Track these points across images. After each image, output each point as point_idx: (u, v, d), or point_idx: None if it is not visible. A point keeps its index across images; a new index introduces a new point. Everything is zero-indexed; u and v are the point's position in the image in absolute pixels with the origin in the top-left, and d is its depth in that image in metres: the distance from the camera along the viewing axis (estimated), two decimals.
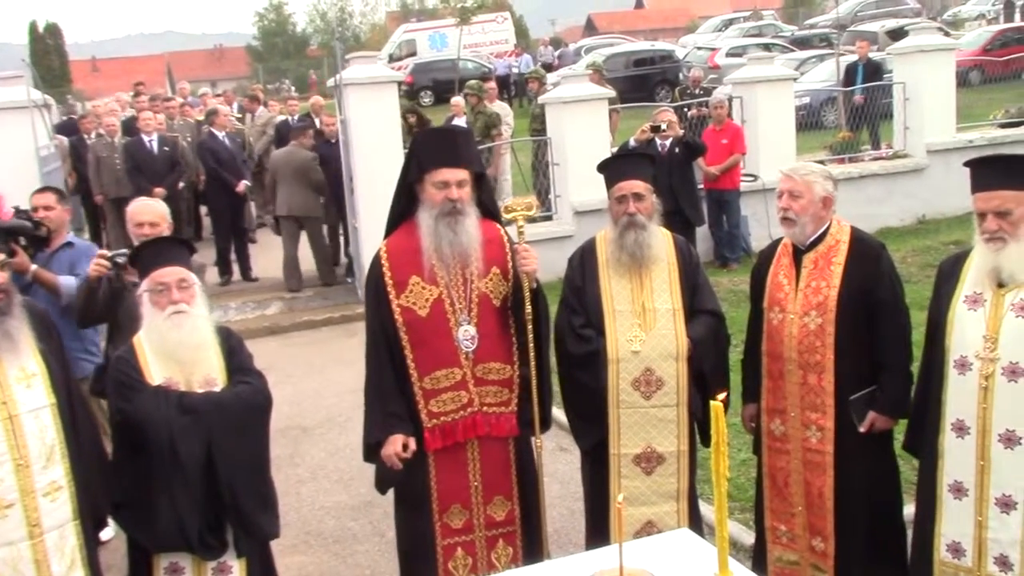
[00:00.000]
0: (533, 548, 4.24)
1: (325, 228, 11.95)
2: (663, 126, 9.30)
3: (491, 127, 13.10)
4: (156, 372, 3.79)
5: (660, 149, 9.35)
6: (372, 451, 4.19)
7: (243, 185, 11.59)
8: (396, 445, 4.02)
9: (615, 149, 11.32)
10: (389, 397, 4.07)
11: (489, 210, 4.24)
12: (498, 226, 4.26)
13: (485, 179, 4.37)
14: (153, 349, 3.82)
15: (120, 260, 4.83)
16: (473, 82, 14.62)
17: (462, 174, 4.04)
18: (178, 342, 3.79)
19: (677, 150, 9.37)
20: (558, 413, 4.37)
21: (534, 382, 4.13)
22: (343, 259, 12.19)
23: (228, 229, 11.78)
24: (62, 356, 3.88)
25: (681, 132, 9.62)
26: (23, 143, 9.65)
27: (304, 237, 11.45)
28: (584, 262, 4.41)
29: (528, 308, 4.07)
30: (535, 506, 4.27)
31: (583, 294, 4.34)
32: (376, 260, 4.14)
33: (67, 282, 5.45)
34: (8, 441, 3.49)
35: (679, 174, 9.49)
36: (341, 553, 5.49)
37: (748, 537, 4.91)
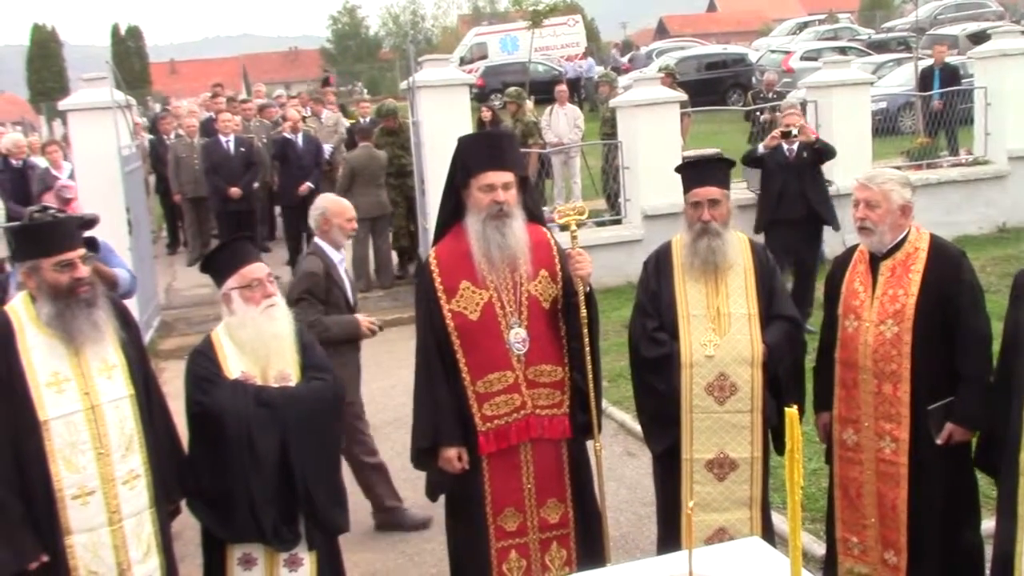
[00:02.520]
0: (593, 552, 4.23)
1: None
2: (794, 131, 9.04)
3: (528, 136, 13.06)
4: (234, 366, 3.88)
5: (788, 154, 9.14)
6: (421, 456, 4.23)
7: (305, 187, 11.73)
8: (453, 461, 4.08)
9: (686, 153, 11.25)
10: (439, 403, 4.10)
11: (533, 214, 4.25)
12: (544, 229, 4.27)
13: (529, 183, 4.39)
14: (238, 343, 3.92)
15: None
16: (512, 89, 14.60)
17: (507, 177, 4.07)
18: (272, 334, 3.89)
19: (805, 155, 9.12)
20: (625, 417, 4.39)
21: (591, 386, 4.13)
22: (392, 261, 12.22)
23: (300, 229, 11.93)
24: (140, 347, 4.00)
25: (813, 137, 9.35)
26: (106, 142, 9.91)
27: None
28: (659, 266, 4.39)
29: (584, 311, 4.07)
30: (593, 510, 4.27)
31: (657, 298, 4.32)
32: (425, 266, 4.19)
33: (123, 275, 5.59)
34: (90, 430, 3.61)
35: (809, 178, 9.24)
36: (408, 551, 5.53)
37: (819, 548, 4.84)
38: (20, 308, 3.66)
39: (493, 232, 4.02)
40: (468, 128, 11.20)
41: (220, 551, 3.94)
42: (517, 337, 4.08)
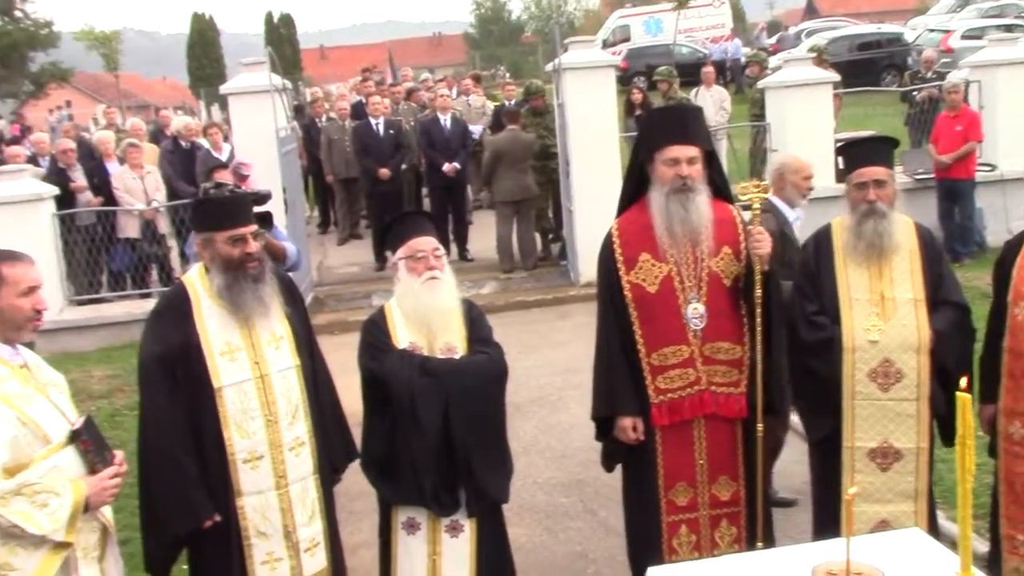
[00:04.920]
0: (754, 531, 4.19)
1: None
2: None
3: None
4: (403, 336, 4.01)
5: None
6: (600, 426, 4.28)
7: (449, 167, 11.90)
8: (628, 431, 4.11)
9: (838, 136, 10.91)
10: (616, 373, 4.14)
11: (720, 190, 4.21)
12: (730, 207, 4.23)
13: (716, 158, 4.34)
14: (404, 313, 4.05)
15: None
16: (663, 68, 14.42)
17: (692, 151, 4.04)
18: (431, 306, 4.00)
19: None
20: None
21: (759, 366, 4.07)
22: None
23: (446, 209, 12.15)
24: (306, 320, 4.16)
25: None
26: (264, 124, 10.31)
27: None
28: (819, 248, 4.29)
29: (759, 291, 4.02)
30: (761, 490, 4.22)
31: (817, 281, 4.23)
32: (608, 238, 4.22)
33: (291, 248, 5.78)
34: (259, 398, 3.77)
35: None
36: (553, 528, 5.59)
37: (981, 545, 4.64)
38: (196, 279, 3.84)
39: (676, 207, 4.02)
40: (613, 111, 11.17)
41: (389, 514, 4.10)
42: (695, 312, 4.07)
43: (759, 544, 4.08)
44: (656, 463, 4.14)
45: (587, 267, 10.35)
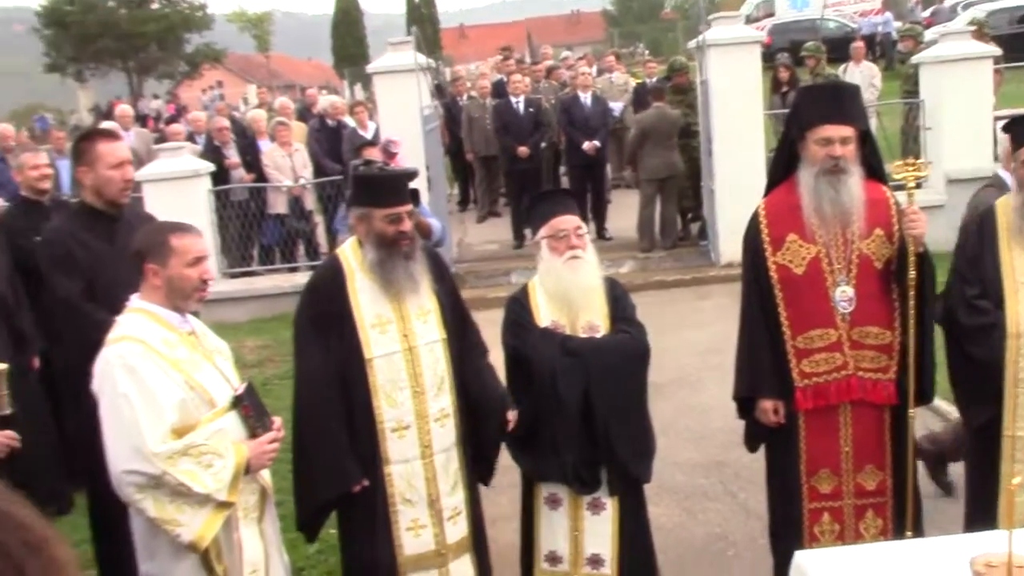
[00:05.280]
0: (901, 523, 4.07)
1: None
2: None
3: None
4: (545, 315, 4.05)
5: None
6: (741, 406, 4.24)
7: (589, 145, 11.85)
8: (769, 413, 4.05)
9: (998, 113, 10.39)
10: (758, 354, 4.08)
11: (875, 170, 4.08)
12: (884, 188, 4.09)
13: (871, 137, 4.21)
14: (546, 292, 4.08)
15: None
16: (811, 44, 13.94)
17: (846, 131, 3.92)
18: (573, 284, 4.02)
19: None
20: None
21: (912, 351, 3.94)
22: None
23: (585, 187, 12.13)
24: (454, 296, 4.23)
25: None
26: (409, 103, 10.50)
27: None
28: (981, 230, 4.10)
29: (912, 273, 3.88)
30: (909, 480, 4.10)
31: (979, 264, 4.05)
32: (754, 217, 4.15)
33: (436, 225, 5.86)
34: (408, 370, 3.87)
35: None
36: (692, 509, 5.56)
37: None
38: (349, 253, 3.96)
39: (826, 187, 3.92)
40: (759, 88, 10.91)
41: (531, 489, 4.16)
42: (843, 295, 3.97)
43: (908, 533, 3.97)
44: (799, 448, 4.07)
45: (728, 247, 10.19)
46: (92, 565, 4.51)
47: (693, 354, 8.12)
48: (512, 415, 4.01)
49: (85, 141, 4.51)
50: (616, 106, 13.81)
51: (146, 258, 3.41)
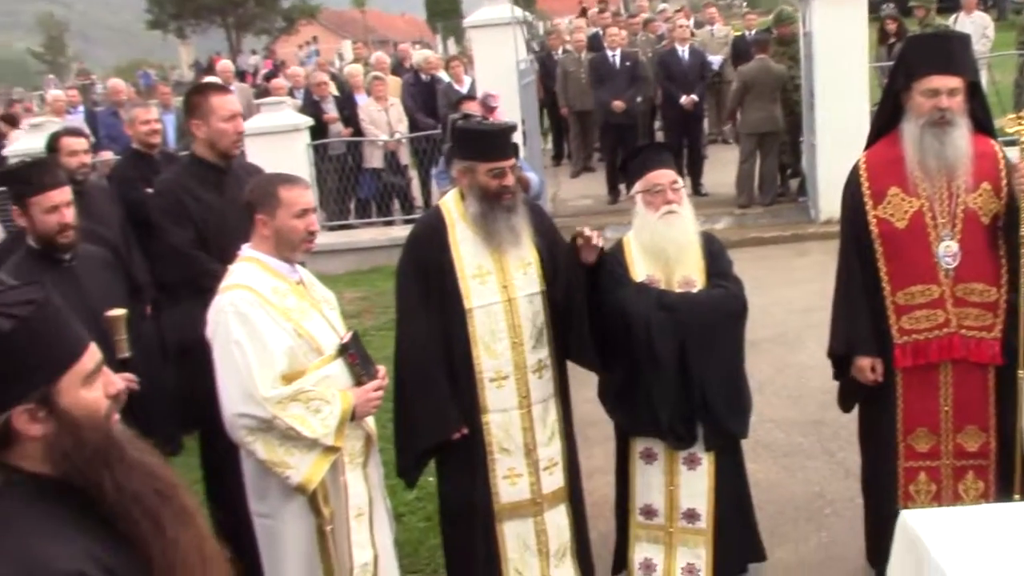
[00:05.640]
0: (1007, 487, 3.97)
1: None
2: None
3: None
4: (640, 270, 4.03)
5: None
6: (836, 364, 4.16)
7: (687, 100, 11.65)
8: (866, 371, 3.97)
9: None
10: (856, 310, 3.99)
11: (982, 123, 3.94)
12: (992, 141, 3.95)
13: (980, 89, 4.05)
14: (641, 246, 4.06)
15: None
16: None
17: (954, 82, 3.79)
18: (669, 240, 3.99)
19: None
20: None
21: (1022, 309, 3.81)
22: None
23: (680, 143, 11.96)
24: (554, 250, 4.24)
25: None
26: (505, 56, 10.46)
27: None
28: None
29: (1023, 230, 3.75)
30: (1010, 441, 3.99)
31: None
32: (854, 170, 4.05)
33: (534, 179, 5.83)
34: (507, 320, 3.91)
35: None
36: (790, 467, 5.51)
37: None
38: (451, 204, 4.00)
39: (931, 140, 3.80)
40: (864, 40, 10.57)
41: (626, 443, 4.18)
42: (947, 251, 3.86)
43: (1016, 497, 3.87)
44: (896, 406, 3.99)
45: (828, 204, 9.94)
46: (203, 505, 4.69)
47: (791, 312, 8.00)
48: None
49: (198, 95, 4.63)
50: (715, 59, 13.55)
51: (256, 209, 3.50)
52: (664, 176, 4.03)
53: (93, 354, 1.92)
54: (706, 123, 13.87)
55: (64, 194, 3.94)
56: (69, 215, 3.94)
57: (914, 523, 2.79)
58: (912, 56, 3.96)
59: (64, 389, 1.85)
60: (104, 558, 1.80)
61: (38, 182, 3.90)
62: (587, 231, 3.77)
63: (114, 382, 1.97)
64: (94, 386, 1.90)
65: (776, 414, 6.18)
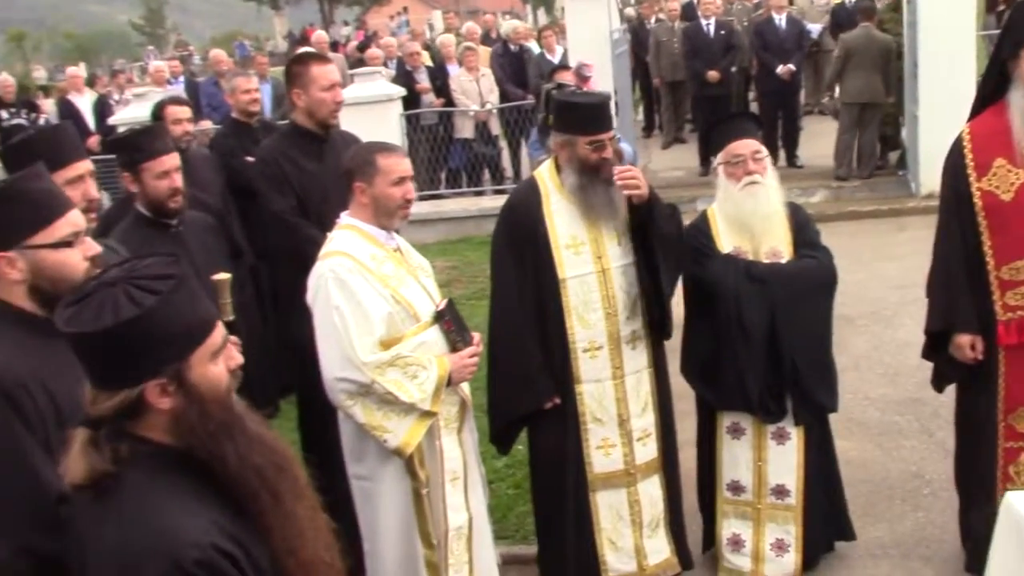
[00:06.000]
0: None
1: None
2: None
3: None
4: (726, 241, 4.01)
5: None
6: (932, 341, 4.06)
7: (784, 69, 11.39)
8: (965, 349, 3.86)
9: None
10: (957, 285, 3.88)
11: None
12: None
13: None
14: (725, 218, 4.03)
15: None
16: None
17: None
18: (751, 211, 3.96)
19: None
20: None
21: None
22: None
23: (775, 115, 11.73)
24: None
25: None
26: (598, 26, 10.39)
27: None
28: None
29: None
30: None
31: None
32: (957, 142, 3.92)
33: (627, 149, 5.78)
34: (600, 291, 3.90)
35: None
36: (886, 446, 5.40)
37: None
38: (547, 175, 4.00)
39: None
40: (971, 7, 10.19)
41: (711, 418, 4.15)
42: None
43: None
44: (997, 384, 3.87)
45: (929, 177, 9.64)
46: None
47: (888, 288, 7.82)
48: None
49: (299, 64, 4.70)
50: (814, 28, 13.21)
51: (354, 177, 3.55)
52: (745, 146, 3.98)
53: (220, 330, 1.96)
54: (803, 94, 13.54)
55: (174, 159, 4.05)
56: (179, 180, 4.05)
57: (1019, 504, 2.72)
58: (1021, 22, 3.80)
59: (194, 364, 1.88)
60: (228, 527, 1.86)
61: (149, 148, 4.01)
62: (617, 171, 3.73)
63: (235, 356, 2.01)
64: (219, 361, 1.94)
65: (872, 391, 6.06)
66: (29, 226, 2.39)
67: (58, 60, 50.06)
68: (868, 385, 6.15)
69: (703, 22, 12.14)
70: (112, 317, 1.81)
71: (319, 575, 2.00)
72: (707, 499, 4.28)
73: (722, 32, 12.03)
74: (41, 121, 12.83)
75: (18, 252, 2.38)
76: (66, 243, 2.42)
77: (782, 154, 11.70)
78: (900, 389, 6.05)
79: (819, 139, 12.02)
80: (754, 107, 12.95)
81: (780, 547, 4.11)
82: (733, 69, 12.38)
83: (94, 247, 2.52)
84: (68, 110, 12.72)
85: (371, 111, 10.62)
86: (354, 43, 21.32)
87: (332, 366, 3.35)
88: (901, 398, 5.93)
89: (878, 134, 11.15)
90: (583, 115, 3.85)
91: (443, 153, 11.76)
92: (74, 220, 2.47)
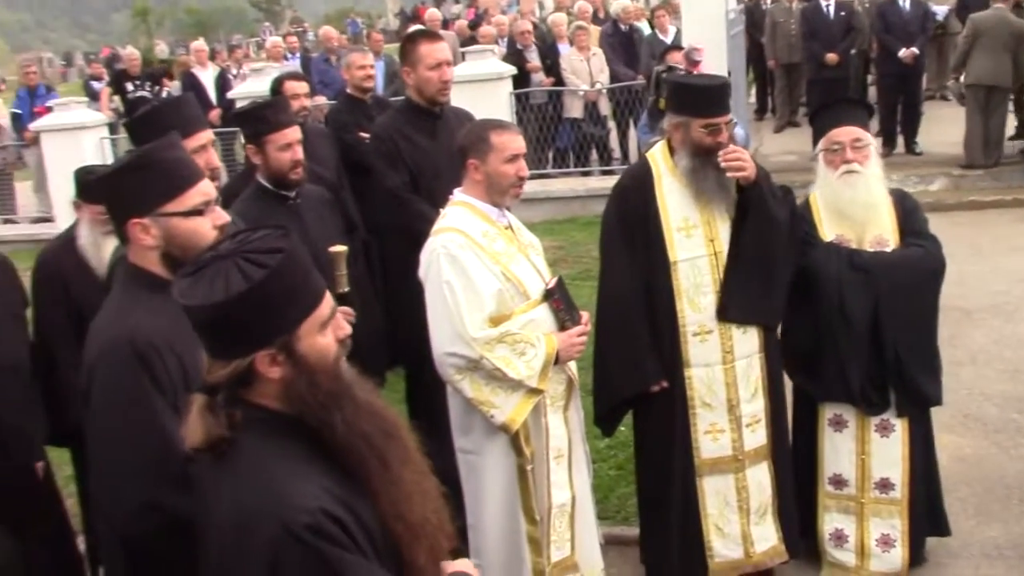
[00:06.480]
0: None
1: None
2: None
3: None
4: (828, 229, 3.95)
5: None
6: None
7: (907, 53, 10.99)
8: None
9: None
10: None
11: None
12: None
13: None
14: (826, 206, 3.96)
15: None
16: None
17: None
18: (849, 200, 3.89)
19: None
20: None
21: None
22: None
23: (896, 101, 11.35)
24: None
25: None
26: (715, 6, 10.21)
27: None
28: None
29: None
30: None
31: None
32: None
33: (740, 133, 5.66)
34: (712, 275, 3.85)
35: None
36: (1003, 443, 5.21)
37: None
38: (659, 156, 3.96)
39: None
40: None
41: (810, 410, 4.07)
42: None
43: None
44: None
45: None
46: None
47: (1010, 281, 7.52)
48: None
49: (409, 42, 4.76)
50: (939, 10, 12.71)
51: (468, 153, 3.58)
52: (846, 133, 3.90)
53: (328, 301, 2.00)
54: (925, 78, 13.06)
55: (296, 132, 4.13)
56: (300, 152, 4.14)
57: None
58: None
59: (303, 335, 1.93)
60: (338, 492, 1.91)
61: (274, 120, 4.10)
62: (722, 153, 3.68)
63: (344, 326, 2.04)
64: (327, 332, 1.98)
65: (989, 387, 5.85)
66: (163, 194, 2.48)
67: (178, 35, 51.62)
68: (985, 381, 5.94)
69: (822, 3, 11.82)
70: (223, 291, 1.86)
71: (427, 538, 2.04)
72: (802, 491, 4.19)
73: (842, 13, 11.70)
74: (164, 94, 13.28)
75: (152, 219, 2.48)
76: (197, 212, 2.51)
77: (900, 141, 11.33)
78: (1021, 385, 5.83)
79: (939, 125, 11.61)
80: (872, 91, 12.57)
81: (886, 542, 4.02)
82: (852, 52, 12.02)
83: (223, 216, 2.61)
84: (192, 83, 13.10)
85: (481, 89, 10.66)
86: (463, 21, 21.38)
87: (442, 341, 3.39)
88: (1021, 395, 5.72)
89: (1005, 120, 10.67)
90: (699, 97, 3.79)
91: (551, 132, 11.75)
92: (205, 189, 2.56)
